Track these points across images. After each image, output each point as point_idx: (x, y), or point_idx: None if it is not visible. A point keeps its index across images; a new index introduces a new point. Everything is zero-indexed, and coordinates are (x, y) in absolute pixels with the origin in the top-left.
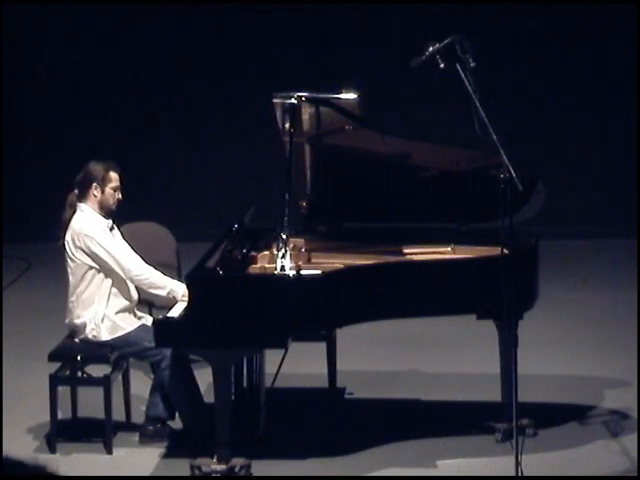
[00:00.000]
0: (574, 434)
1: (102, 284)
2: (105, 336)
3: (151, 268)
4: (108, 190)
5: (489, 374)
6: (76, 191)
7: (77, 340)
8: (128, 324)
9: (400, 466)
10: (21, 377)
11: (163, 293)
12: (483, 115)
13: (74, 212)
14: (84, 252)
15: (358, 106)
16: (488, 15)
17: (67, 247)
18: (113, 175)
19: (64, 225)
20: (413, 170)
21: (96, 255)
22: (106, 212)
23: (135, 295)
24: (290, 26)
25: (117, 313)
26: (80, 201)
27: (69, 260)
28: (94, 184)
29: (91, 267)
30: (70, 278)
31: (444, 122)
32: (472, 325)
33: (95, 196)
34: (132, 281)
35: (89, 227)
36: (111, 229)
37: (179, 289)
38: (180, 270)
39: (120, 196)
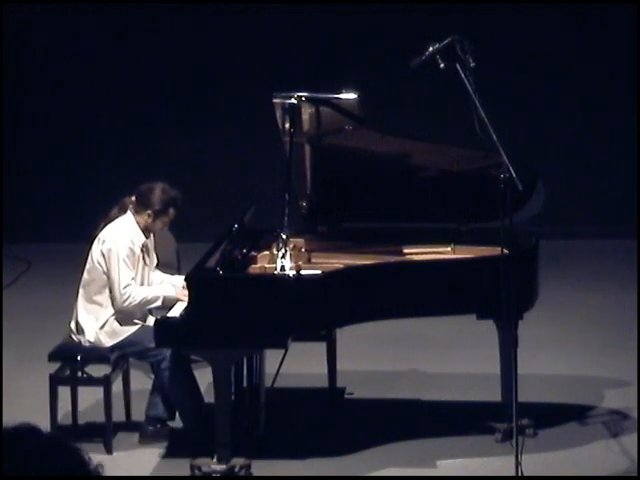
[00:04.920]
0: (574, 434)
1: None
2: (106, 343)
3: (142, 289)
4: (159, 222)
5: (489, 374)
6: (134, 198)
7: (77, 340)
8: (128, 327)
9: (400, 466)
10: (21, 377)
11: (159, 303)
12: (483, 115)
13: (120, 214)
14: (104, 258)
15: (358, 106)
16: (488, 15)
17: (95, 244)
18: (172, 212)
19: (107, 220)
20: (413, 170)
21: (108, 268)
22: (147, 233)
23: None
24: (290, 26)
25: (117, 319)
26: (131, 210)
27: (90, 257)
28: (150, 211)
29: (105, 274)
30: (85, 274)
31: (444, 122)
32: (472, 325)
33: (146, 220)
34: (124, 308)
35: (122, 242)
36: (144, 248)
37: (170, 292)
38: (180, 270)
39: (167, 228)
